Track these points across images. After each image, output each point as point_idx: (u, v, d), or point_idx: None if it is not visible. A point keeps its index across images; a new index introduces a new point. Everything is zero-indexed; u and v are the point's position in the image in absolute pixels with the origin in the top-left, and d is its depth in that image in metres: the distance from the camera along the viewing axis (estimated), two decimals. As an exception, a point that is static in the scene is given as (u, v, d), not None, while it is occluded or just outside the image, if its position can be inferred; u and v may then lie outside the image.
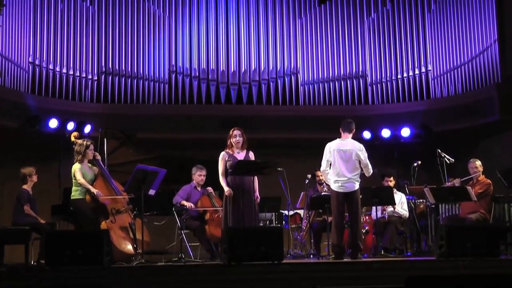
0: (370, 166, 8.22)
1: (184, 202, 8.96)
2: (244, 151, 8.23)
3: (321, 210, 9.35)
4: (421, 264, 7.87)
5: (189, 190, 9.19)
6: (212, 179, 9.19)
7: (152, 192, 7.99)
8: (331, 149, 8.22)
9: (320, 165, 8.40)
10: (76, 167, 8.12)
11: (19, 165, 9.28)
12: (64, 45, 12.32)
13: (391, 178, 9.81)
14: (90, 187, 8.04)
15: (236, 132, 8.22)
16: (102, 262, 6.95)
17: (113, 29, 12.88)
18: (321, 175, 9.26)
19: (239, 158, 8.08)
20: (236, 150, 8.19)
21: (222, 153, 8.20)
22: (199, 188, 9.27)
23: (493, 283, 4.16)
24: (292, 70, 13.33)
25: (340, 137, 8.33)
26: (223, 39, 13.29)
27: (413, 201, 9.97)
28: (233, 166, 7.98)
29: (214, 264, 7.91)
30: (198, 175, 9.25)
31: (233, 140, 8.18)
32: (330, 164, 8.24)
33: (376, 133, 12.49)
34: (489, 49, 11.96)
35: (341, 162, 8.13)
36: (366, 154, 8.22)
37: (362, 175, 8.26)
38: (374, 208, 9.41)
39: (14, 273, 7.17)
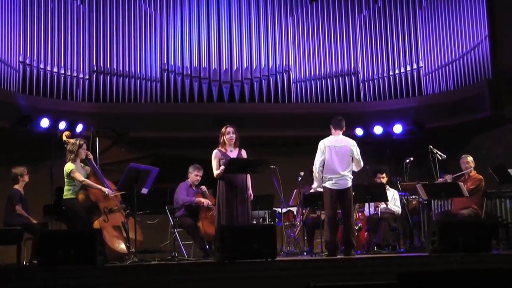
0: (361, 162, 8.26)
1: (202, 199, 8.96)
2: (237, 149, 8.21)
3: (316, 207, 9.36)
4: (414, 260, 7.89)
5: (186, 188, 9.19)
6: (204, 177, 9.19)
7: (144, 190, 7.99)
8: (326, 146, 8.21)
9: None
10: (70, 167, 8.07)
11: (10, 165, 9.25)
12: (55, 44, 12.28)
13: (384, 175, 9.82)
14: (99, 186, 8.03)
15: (229, 129, 8.20)
16: (95, 261, 6.94)
17: (104, 28, 12.85)
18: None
19: (231, 156, 8.06)
20: (228, 148, 8.17)
21: (215, 151, 8.17)
22: (193, 187, 9.26)
23: (486, 278, 4.17)
24: (284, 67, 13.33)
25: (331, 134, 8.34)
26: (215, 37, 13.28)
27: (406, 197, 9.99)
28: (226, 164, 7.97)
29: (208, 262, 7.90)
30: (195, 175, 9.23)
31: (226, 137, 8.16)
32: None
33: (368, 130, 12.51)
34: (480, 45, 12.00)
35: (336, 159, 8.14)
36: (358, 150, 8.25)
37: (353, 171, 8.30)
38: (367, 204, 9.44)
39: (6, 273, 7.14)
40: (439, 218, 9.23)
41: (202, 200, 9.00)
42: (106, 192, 7.99)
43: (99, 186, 8.04)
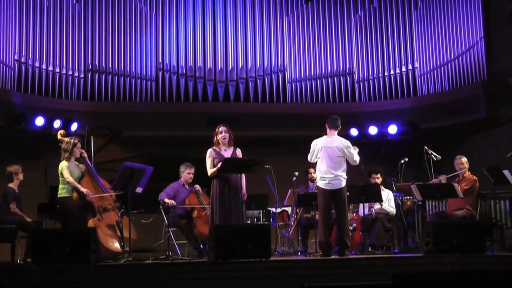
0: (356, 156, 8.25)
1: (166, 200, 8.93)
2: (231, 149, 8.21)
3: (310, 207, 9.37)
4: (408, 261, 7.90)
5: (176, 188, 9.17)
6: (199, 177, 9.19)
7: (139, 189, 7.98)
8: (318, 146, 8.24)
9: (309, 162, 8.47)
10: (63, 165, 8.07)
11: (5, 163, 9.23)
12: (50, 42, 12.26)
13: (378, 175, 9.83)
14: (78, 186, 8.00)
15: (222, 128, 8.20)
16: (89, 260, 6.94)
17: (100, 27, 12.84)
18: (314, 172, 9.29)
19: (226, 156, 8.07)
20: (223, 147, 8.17)
21: (210, 150, 8.18)
22: (187, 186, 9.25)
23: (480, 279, 4.18)
24: (279, 67, 13.34)
25: (326, 134, 8.35)
26: (210, 37, 13.28)
27: (400, 198, 10.00)
28: (220, 165, 7.96)
29: (202, 262, 7.90)
30: (187, 173, 9.23)
31: (219, 136, 8.16)
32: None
33: (363, 130, 12.53)
34: (475, 46, 12.02)
35: (328, 159, 8.15)
36: (352, 150, 8.25)
37: (348, 171, 8.31)
38: (361, 205, 9.45)
39: (0, 271, 7.12)
40: (433, 218, 9.24)
41: (167, 200, 8.94)
42: (85, 193, 7.96)
43: (78, 186, 8.00)
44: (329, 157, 8.16)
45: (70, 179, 8.00)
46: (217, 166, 7.97)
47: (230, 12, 13.42)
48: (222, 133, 8.16)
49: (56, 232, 7.72)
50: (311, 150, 8.30)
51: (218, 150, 8.14)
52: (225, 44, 13.30)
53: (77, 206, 8.03)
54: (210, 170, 8.07)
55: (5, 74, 11.36)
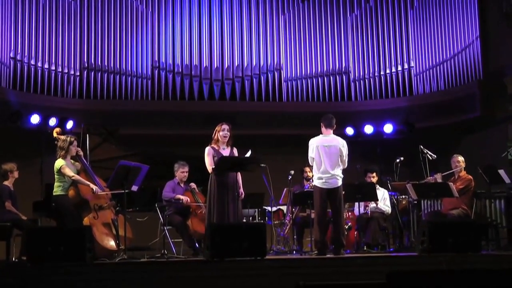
0: (346, 164, 8.28)
1: (181, 196, 8.94)
2: (229, 148, 8.22)
3: (306, 206, 9.37)
4: (403, 260, 7.90)
5: (173, 186, 9.17)
6: (194, 175, 9.18)
7: (134, 188, 7.97)
8: (314, 145, 8.24)
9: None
10: (61, 163, 8.05)
11: (0, 161, 9.21)
12: (46, 40, 12.23)
13: (374, 174, 9.83)
14: (88, 182, 8.01)
15: (225, 126, 8.20)
16: (84, 258, 6.94)
17: (96, 24, 12.81)
18: (309, 171, 9.31)
19: (224, 155, 8.06)
20: (221, 146, 8.17)
21: (208, 148, 8.17)
22: (182, 184, 9.25)
23: (475, 278, 4.18)
24: (275, 66, 13.33)
25: (321, 133, 8.35)
26: (206, 35, 13.26)
27: (396, 197, 10.01)
28: (216, 163, 7.96)
29: (197, 260, 7.90)
30: (181, 172, 9.23)
31: (221, 133, 8.15)
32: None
33: (359, 129, 12.52)
34: (471, 46, 12.03)
35: (325, 158, 8.15)
36: (347, 151, 8.27)
37: (343, 170, 8.32)
38: (356, 204, 9.46)
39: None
40: (428, 218, 9.25)
41: (181, 197, 8.96)
42: (94, 190, 7.97)
43: (88, 183, 8.03)
44: (327, 156, 8.16)
45: (76, 177, 8.01)
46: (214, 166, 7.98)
47: (226, 11, 13.40)
48: (224, 131, 8.16)
49: (51, 230, 7.71)
50: (309, 150, 8.30)
51: (217, 148, 8.14)
52: (221, 42, 13.28)
53: (72, 204, 8.03)
54: (210, 167, 8.06)
55: (1, 72, 11.33)
